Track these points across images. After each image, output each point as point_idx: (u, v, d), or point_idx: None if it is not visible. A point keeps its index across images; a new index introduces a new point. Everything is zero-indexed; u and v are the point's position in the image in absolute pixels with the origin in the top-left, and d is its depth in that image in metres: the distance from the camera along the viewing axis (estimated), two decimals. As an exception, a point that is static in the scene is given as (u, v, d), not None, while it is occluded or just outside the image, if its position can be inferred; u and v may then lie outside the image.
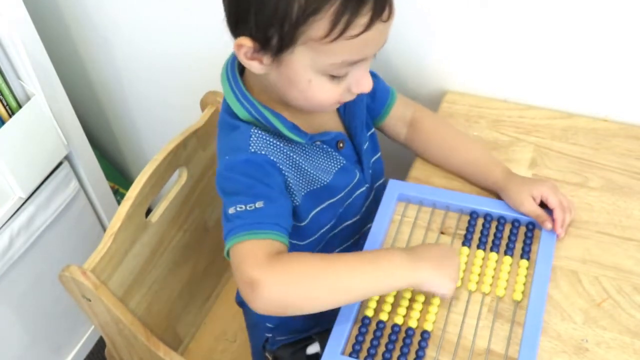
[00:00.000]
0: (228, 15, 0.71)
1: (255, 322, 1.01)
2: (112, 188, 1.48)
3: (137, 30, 1.28)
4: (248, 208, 0.72)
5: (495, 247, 0.83)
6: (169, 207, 0.99)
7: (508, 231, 0.85)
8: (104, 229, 1.41)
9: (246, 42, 0.69)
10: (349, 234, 0.91)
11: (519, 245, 0.83)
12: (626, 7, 0.89)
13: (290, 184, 0.78)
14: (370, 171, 0.90)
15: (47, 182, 1.22)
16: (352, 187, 0.86)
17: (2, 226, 1.15)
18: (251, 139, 0.76)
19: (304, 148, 0.79)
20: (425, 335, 0.76)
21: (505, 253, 0.83)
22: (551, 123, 1.00)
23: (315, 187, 0.81)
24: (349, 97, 0.75)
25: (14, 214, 1.17)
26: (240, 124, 0.77)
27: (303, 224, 0.82)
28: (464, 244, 0.84)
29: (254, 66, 0.71)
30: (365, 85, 0.73)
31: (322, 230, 0.86)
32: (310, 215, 0.82)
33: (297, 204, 0.79)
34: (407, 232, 0.86)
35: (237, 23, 0.70)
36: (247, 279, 0.68)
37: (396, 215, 0.89)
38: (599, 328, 0.76)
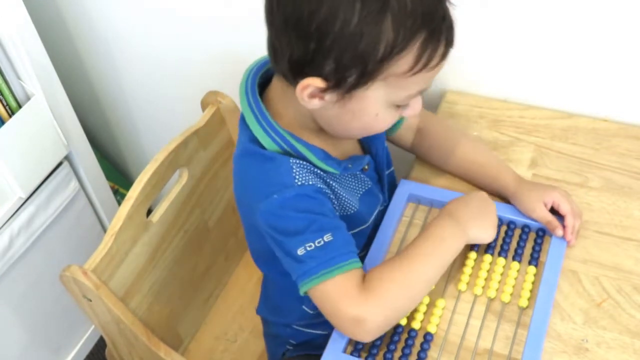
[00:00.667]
0: (292, 58, 0.67)
1: (276, 334, 1.00)
2: (112, 188, 1.48)
3: (138, 30, 1.28)
4: (317, 244, 0.70)
5: (503, 252, 0.83)
6: (169, 207, 0.98)
7: (517, 237, 0.85)
8: (104, 229, 1.41)
9: (316, 82, 0.66)
10: (360, 244, 0.89)
11: (527, 252, 0.83)
12: (626, 7, 0.89)
13: (335, 207, 0.78)
14: (387, 186, 0.90)
15: (47, 182, 1.22)
16: (377, 208, 0.87)
17: (2, 226, 1.15)
18: (294, 170, 0.73)
19: (335, 174, 0.78)
20: (428, 337, 0.76)
21: (514, 259, 0.82)
22: (551, 123, 1.00)
23: (347, 213, 0.80)
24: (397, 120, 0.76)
25: (14, 214, 1.17)
26: (275, 155, 0.74)
27: None
28: (472, 248, 0.84)
29: (313, 103, 0.69)
30: (418, 108, 0.74)
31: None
32: None
33: None
34: (415, 234, 0.86)
35: (306, 66, 0.67)
36: (349, 319, 0.70)
37: (404, 217, 0.89)
38: (599, 328, 0.76)
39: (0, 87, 1.09)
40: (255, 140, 0.75)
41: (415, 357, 0.75)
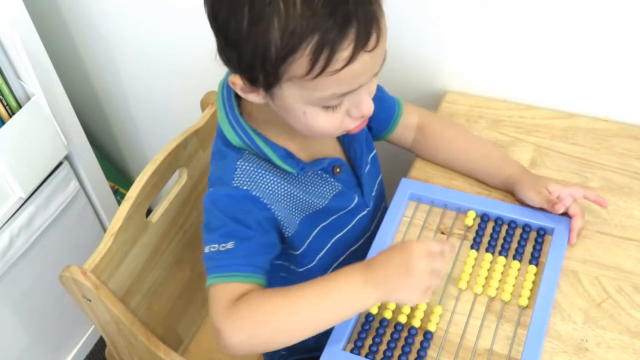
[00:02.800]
0: (218, 53, 0.70)
1: None
2: (112, 188, 1.48)
3: (138, 30, 1.28)
4: (221, 248, 0.72)
5: (504, 251, 0.83)
6: (169, 207, 0.98)
7: (518, 236, 0.84)
8: (104, 229, 1.41)
9: (237, 79, 0.69)
10: (357, 261, 0.88)
11: (528, 251, 0.83)
12: (626, 7, 0.89)
13: (280, 217, 0.77)
14: (374, 193, 0.89)
15: (47, 182, 1.22)
16: (350, 211, 0.85)
17: (2, 226, 1.15)
18: (236, 172, 0.75)
19: (296, 176, 0.78)
20: (428, 336, 0.76)
21: (514, 257, 0.82)
22: (551, 123, 1.00)
23: (310, 212, 0.80)
24: (353, 123, 0.72)
25: (14, 214, 1.17)
26: (229, 153, 0.76)
27: (299, 251, 0.82)
28: (472, 247, 0.84)
29: (254, 98, 0.71)
30: (365, 109, 0.70)
31: (319, 255, 0.85)
32: (308, 241, 0.82)
33: (291, 233, 0.79)
34: (415, 234, 0.86)
35: (227, 62, 0.69)
36: (213, 327, 0.70)
37: (405, 217, 0.89)
38: (599, 328, 0.76)
39: (0, 87, 1.09)
40: (221, 136, 0.78)
41: (415, 355, 0.74)
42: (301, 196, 0.79)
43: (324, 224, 0.84)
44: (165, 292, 1.03)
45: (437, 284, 0.70)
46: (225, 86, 0.77)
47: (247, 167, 0.76)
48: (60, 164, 1.24)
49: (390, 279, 0.68)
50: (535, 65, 1.00)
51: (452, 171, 0.93)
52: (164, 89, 1.37)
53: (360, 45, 0.63)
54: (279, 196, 0.77)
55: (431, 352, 0.75)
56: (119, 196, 1.56)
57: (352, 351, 0.75)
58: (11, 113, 1.11)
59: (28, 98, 1.13)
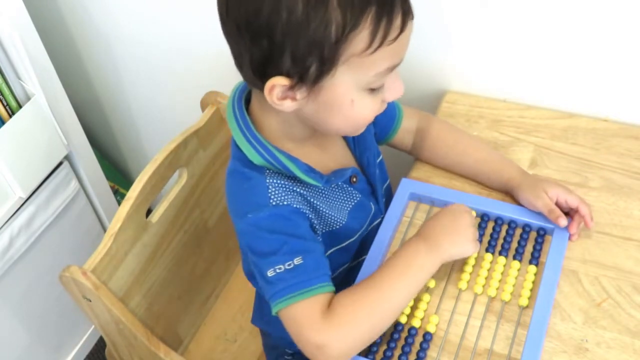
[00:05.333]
0: (253, 61, 0.67)
1: (274, 345, 1.00)
2: (112, 188, 1.48)
3: (138, 30, 1.28)
4: (287, 267, 0.70)
5: (504, 251, 0.83)
6: (169, 207, 0.98)
7: (518, 236, 0.84)
8: (104, 229, 1.41)
9: (280, 81, 0.66)
10: (345, 259, 0.89)
11: (528, 251, 0.83)
12: (626, 7, 0.89)
13: (315, 226, 0.77)
14: (384, 199, 0.89)
15: (47, 182, 1.22)
16: (369, 221, 0.86)
17: (2, 226, 1.15)
18: (269, 190, 0.73)
19: (319, 188, 0.78)
20: (427, 337, 0.76)
21: (514, 258, 0.82)
22: (551, 123, 1.00)
23: (333, 229, 0.80)
24: (383, 108, 0.73)
25: (14, 214, 1.17)
26: (252, 174, 0.74)
27: None
28: None
29: (286, 105, 0.68)
30: (399, 90, 0.72)
31: (339, 270, 0.85)
32: (327, 254, 0.81)
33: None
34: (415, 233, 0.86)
35: (266, 66, 0.66)
36: (312, 345, 0.69)
37: (405, 217, 0.88)
38: (599, 328, 0.76)
39: (0, 87, 1.09)
40: (240, 157, 0.75)
41: (415, 356, 0.74)
42: (324, 210, 0.78)
43: (349, 241, 0.83)
44: (165, 292, 1.03)
45: (477, 234, 0.78)
46: (237, 104, 0.76)
47: (278, 183, 0.74)
48: (60, 164, 1.24)
49: (446, 238, 0.75)
50: (535, 65, 1.00)
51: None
52: (164, 88, 1.37)
53: (407, 12, 0.66)
54: (310, 208, 0.76)
55: (431, 352, 0.75)
56: (119, 196, 1.56)
57: (352, 350, 0.75)
58: (11, 113, 1.11)
59: (28, 98, 1.13)
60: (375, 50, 0.65)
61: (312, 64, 0.65)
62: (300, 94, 0.67)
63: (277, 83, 0.66)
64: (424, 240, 0.75)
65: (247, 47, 0.66)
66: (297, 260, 0.70)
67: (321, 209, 0.78)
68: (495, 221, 0.86)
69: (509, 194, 0.88)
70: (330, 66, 0.65)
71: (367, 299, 0.71)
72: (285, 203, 0.73)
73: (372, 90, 0.69)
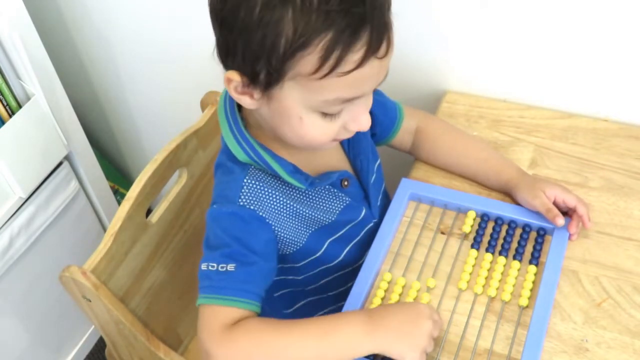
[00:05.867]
0: (217, 47, 0.68)
1: None
2: (112, 188, 1.48)
3: (138, 30, 1.28)
4: (220, 269, 0.70)
5: (504, 251, 0.83)
6: (169, 207, 0.98)
7: (518, 236, 0.84)
8: (104, 229, 1.41)
9: (235, 76, 0.66)
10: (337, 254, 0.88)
11: (528, 251, 0.83)
12: (626, 7, 0.89)
13: (283, 237, 0.76)
14: (379, 204, 0.88)
15: (47, 182, 1.22)
16: (358, 223, 0.84)
17: (2, 226, 1.15)
18: (242, 190, 0.73)
19: (303, 191, 0.77)
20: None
21: (514, 257, 0.82)
22: (551, 123, 1.00)
23: (318, 227, 0.79)
24: (346, 135, 0.71)
25: (14, 214, 1.17)
26: (235, 169, 0.74)
27: (300, 264, 0.81)
28: (472, 246, 0.84)
29: (245, 101, 0.68)
30: (363, 123, 0.68)
31: (325, 266, 0.85)
32: (316, 256, 0.81)
33: (294, 250, 0.78)
34: (415, 234, 0.86)
35: (226, 56, 0.67)
36: (203, 349, 0.68)
37: (405, 217, 0.88)
38: (599, 328, 0.76)
39: (0, 87, 1.09)
40: (226, 152, 0.75)
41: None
42: (309, 213, 0.77)
43: (334, 237, 0.83)
44: (165, 292, 1.03)
45: (431, 349, 0.70)
46: (228, 99, 0.75)
47: (254, 186, 0.73)
48: (60, 164, 1.24)
49: (392, 333, 0.68)
50: (535, 65, 1.00)
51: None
52: (164, 88, 1.37)
53: (372, 50, 0.62)
54: (285, 215, 0.75)
55: (431, 352, 0.75)
56: (119, 196, 1.56)
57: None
58: (11, 113, 1.11)
59: (28, 98, 1.13)
60: (324, 77, 0.62)
61: (261, 70, 0.63)
62: (256, 94, 0.67)
63: (233, 77, 0.66)
64: (371, 321, 0.69)
65: (216, 33, 0.68)
66: (230, 267, 0.69)
67: (303, 211, 0.77)
68: (495, 221, 0.86)
69: (509, 194, 0.88)
70: (278, 77, 0.63)
71: (272, 337, 0.68)
72: (252, 207, 0.73)
73: (326, 115, 0.67)
